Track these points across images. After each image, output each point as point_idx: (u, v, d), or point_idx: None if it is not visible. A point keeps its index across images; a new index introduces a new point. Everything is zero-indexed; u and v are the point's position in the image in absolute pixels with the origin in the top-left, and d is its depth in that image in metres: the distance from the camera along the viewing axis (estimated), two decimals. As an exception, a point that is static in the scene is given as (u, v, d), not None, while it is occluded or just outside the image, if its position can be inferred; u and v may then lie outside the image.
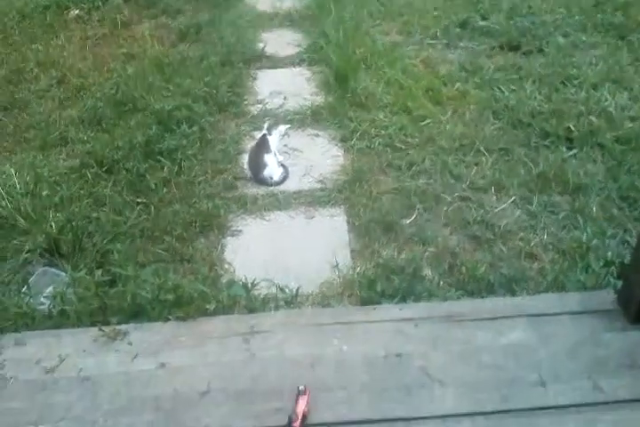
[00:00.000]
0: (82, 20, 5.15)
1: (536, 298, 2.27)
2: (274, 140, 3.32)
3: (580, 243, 2.62)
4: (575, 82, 3.84)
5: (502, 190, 3.03)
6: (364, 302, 2.36)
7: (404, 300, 2.31)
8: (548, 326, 2.07)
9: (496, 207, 2.92)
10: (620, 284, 2.19)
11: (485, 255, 2.63)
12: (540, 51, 4.22)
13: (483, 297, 2.33)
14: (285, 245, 2.81)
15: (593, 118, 3.43)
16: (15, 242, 2.80)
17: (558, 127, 3.39)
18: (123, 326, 2.18)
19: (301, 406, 1.79)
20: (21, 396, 1.92)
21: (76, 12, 5.23)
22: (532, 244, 2.66)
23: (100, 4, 5.29)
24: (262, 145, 3.29)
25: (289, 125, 3.51)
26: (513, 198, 2.96)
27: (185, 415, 1.83)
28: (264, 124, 3.43)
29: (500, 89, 3.82)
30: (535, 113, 3.55)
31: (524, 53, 4.24)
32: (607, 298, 2.15)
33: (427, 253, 2.66)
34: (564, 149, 3.27)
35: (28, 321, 2.27)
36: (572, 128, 3.37)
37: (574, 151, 3.25)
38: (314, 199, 3.09)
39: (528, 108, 3.57)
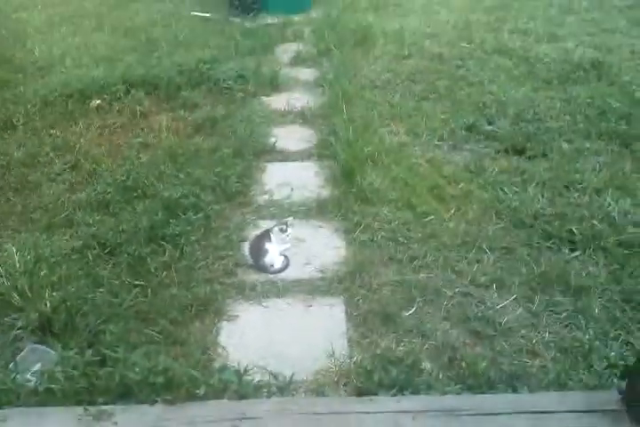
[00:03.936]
0: (102, 110, 5.34)
1: (537, 395, 2.21)
2: (277, 235, 3.33)
3: (582, 343, 2.57)
4: (579, 186, 3.90)
5: (504, 288, 3.01)
6: (361, 393, 2.28)
7: (401, 391, 2.24)
8: (549, 423, 1.98)
9: (497, 304, 2.88)
10: (624, 384, 2.12)
11: (486, 351, 2.57)
12: (545, 155, 4.32)
13: (483, 392, 2.26)
14: (282, 332, 2.76)
15: (596, 222, 3.45)
16: (7, 319, 2.78)
17: (561, 229, 3.42)
18: (109, 407, 2.11)
19: None
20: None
21: (98, 102, 5.42)
22: (534, 341, 2.61)
23: (122, 95, 5.49)
24: (264, 235, 3.33)
25: (291, 218, 3.50)
26: (514, 296, 2.94)
27: None
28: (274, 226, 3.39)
29: (503, 191, 3.88)
30: (538, 215, 3.59)
31: (528, 158, 4.33)
32: (611, 398, 2.07)
33: (426, 346, 2.60)
34: (567, 250, 3.28)
35: (12, 398, 2.20)
36: (575, 231, 3.39)
37: (577, 253, 3.25)
38: (313, 288, 3.07)
39: (531, 210, 3.62)
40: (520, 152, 4.42)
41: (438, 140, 4.67)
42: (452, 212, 3.70)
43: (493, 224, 3.56)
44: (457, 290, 2.99)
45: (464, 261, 3.23)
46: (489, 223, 3.57)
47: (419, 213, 3.69)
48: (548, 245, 3.35)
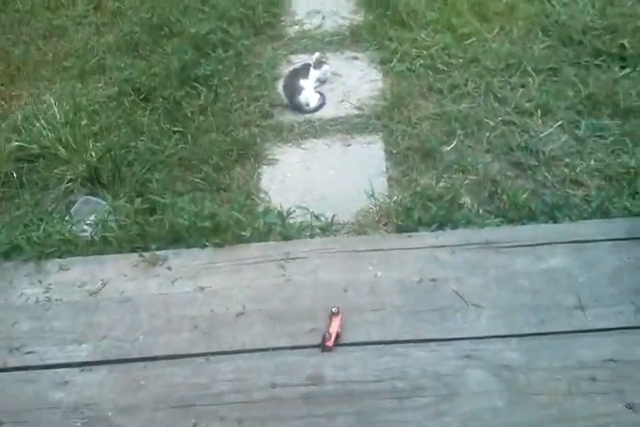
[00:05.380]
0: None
1: (579, 225, 2.20)
2: (315, 73, 3.23)
3: (628, 168, 2.49)
4: (633, -8, 3.53)
5: (549, 114, 2.88)
6: (401, 231, 2.33)
7: (441, 228, 2.28)
8: (590, 252, 2.03)
9: (541, 132, 2.77)
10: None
11: (528, 182, 2.53)
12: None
13: (523, 224, 2.27)
14: (322, 174, 2.77)
15: (649, 34, 3.18)
16: (57, 171, 2.84)
17: (611, 45, 3.19)
18: (162, 252, 2.25)
19: (335, 326, 1.84)
20: (65, 316, 2.03)
21: None
22: (578, 170, 2.54)
23: None
24: (301, 71, 3.22)
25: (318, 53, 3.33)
26: (560, 122, 2.81)
27: (221, 334, 1.91)
28: (313, 56, 3.30)
29: (550, 3, 3.56)
30: (587, 29, 3.31)
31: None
32: (654, 224, 2.08)
33: (466, 181, 2.56)
34: (617, 68, 3.07)
35: (72, 248, 2.35)
36: (627, 45, 3.15)
37: (627, 71, 3.04)
38: (351, 126, 3.01)
39: (580, 24, 3.34)
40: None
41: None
42: (496, 31, 3.46)
43: (540, 42, 3.32)
44: (500, 119, 2.87)
45: (507, 86, 3.07)
46: (535, 42, 3.34)
47: (459, 36, 3.46)
48: (597, 62, 3.14)
